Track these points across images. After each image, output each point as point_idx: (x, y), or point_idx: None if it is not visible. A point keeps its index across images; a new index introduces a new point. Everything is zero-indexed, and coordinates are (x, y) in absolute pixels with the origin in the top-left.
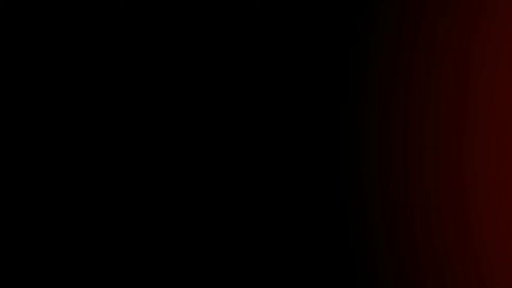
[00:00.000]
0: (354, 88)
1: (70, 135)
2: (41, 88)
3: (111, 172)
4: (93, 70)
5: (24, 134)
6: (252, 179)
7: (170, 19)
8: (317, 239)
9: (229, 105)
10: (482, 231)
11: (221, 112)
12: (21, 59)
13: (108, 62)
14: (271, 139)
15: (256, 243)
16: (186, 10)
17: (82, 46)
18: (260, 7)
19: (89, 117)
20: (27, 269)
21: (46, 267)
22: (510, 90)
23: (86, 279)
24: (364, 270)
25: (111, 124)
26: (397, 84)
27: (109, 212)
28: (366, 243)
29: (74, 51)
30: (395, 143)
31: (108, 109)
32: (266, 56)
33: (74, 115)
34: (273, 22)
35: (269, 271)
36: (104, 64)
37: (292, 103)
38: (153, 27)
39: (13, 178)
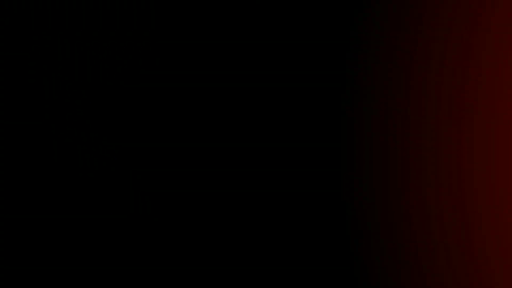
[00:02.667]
0: (355, 87)
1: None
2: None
3: (112, 173)
4: (93, 70)
5: (24, 134)
6: (250, 178)
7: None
8: (317, 239)
9: (228, 105)
10: (482, 231)
11: (219, 111)
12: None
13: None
14: (269, 138)
15: (255, 243)
16: (184, 10)
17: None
18: (258, 6)
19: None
20: (27, 269)
21: (46, 268)
22: (510, 89)
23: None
24: (364, 269)
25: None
26: (396, 83)
27: (109, 213)
28: (366, 243)
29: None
30: (394, 143)
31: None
32: (262, 55)
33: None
34: (270, 21)
35: (268, 271)
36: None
37: (289, 102)
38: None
39: (13, 178)
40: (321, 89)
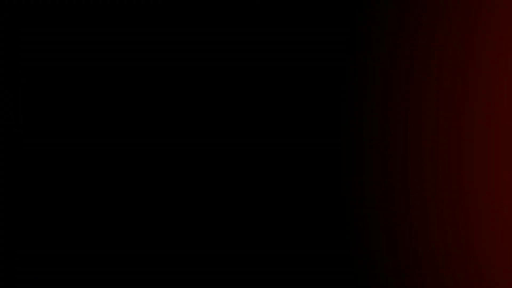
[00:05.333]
0: (354, 86)
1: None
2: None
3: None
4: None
5: (25, 134)
6: (251, 178)
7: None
8: (317, 239)
9: (228, 105)
10: (482, 232)
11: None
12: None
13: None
14: (271, 138)
15: (255, 242)
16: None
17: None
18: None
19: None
20: (27, 270)
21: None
22: (510, 90)
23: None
24: (364, 270)
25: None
26: (396, 83)
27: (110, 213)
28: (366, 243)
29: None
30: (394, 143)
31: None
32: (264, 56)
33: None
34: (271, 21)
35: (268, 271)
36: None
37: (291, 102)
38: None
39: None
40: (323, 88)
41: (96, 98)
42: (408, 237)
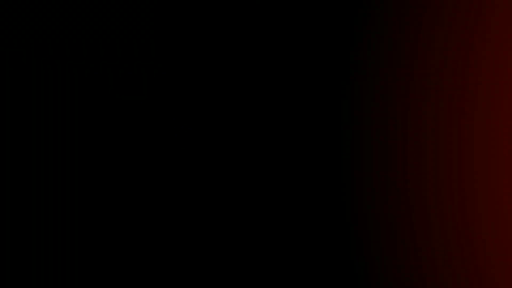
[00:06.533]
0: (355, 88)
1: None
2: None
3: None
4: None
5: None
6: (252, 179)
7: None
8: (317, 240)
9: (229, 105)
10: (482, 231)
11: (221, 111)
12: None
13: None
14: (270, 139)
15: (255, 243)
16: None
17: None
18: (260, 6)
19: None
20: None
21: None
22: (510, 90)
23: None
24: (364, 270)
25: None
26: (396, 84)
27: (110, 213)
28: (366, 243)
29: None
30: (395, 143)
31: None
32: (266, 55)
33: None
34: (273, 21)
35: (268, 271)
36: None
37: (291, 103)
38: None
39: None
40: (323, 89)
41: None
42: (409, 238)
